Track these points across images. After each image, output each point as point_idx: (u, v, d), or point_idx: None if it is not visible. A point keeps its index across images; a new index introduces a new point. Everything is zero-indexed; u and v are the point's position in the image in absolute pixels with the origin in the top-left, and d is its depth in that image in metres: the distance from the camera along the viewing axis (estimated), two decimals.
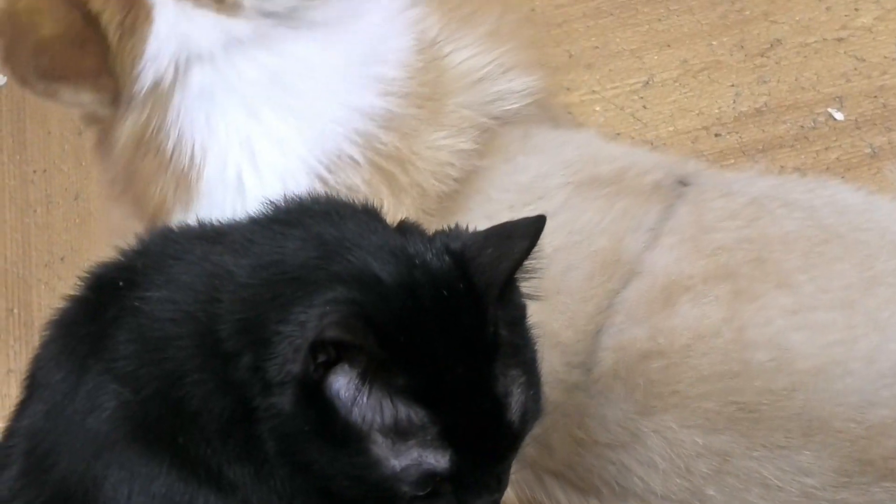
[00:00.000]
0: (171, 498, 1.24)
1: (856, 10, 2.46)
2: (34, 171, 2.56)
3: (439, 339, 1.21)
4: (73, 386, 1.29)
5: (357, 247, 1.25)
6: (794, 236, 1.70)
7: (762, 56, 2.45)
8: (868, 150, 2.32)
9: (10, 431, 1.38)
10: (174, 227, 1.41)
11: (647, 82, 2.46)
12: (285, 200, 1.36)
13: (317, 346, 1.14)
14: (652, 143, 2.35)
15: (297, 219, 1.32)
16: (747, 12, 2.50)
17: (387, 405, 1.17)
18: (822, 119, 2.36)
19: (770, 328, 1.60)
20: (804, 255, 1.67)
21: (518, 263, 1.28)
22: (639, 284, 1.62)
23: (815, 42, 2.44)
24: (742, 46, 2.46)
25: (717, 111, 2.40)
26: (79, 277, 1.37)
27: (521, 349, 1.30)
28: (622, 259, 1.65)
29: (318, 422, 1.18)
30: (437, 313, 1.22)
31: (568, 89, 2.45)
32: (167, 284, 1.30)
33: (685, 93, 2.43)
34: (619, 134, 2.38)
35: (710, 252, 1.67)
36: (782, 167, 2.29)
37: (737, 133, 2.37)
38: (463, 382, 1.21)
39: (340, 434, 1.18)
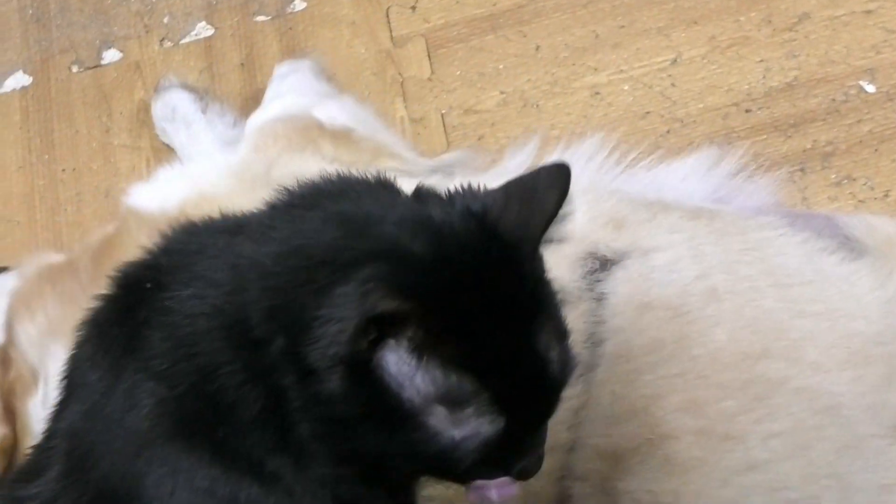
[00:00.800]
0: (214, 492, 1.23)
1: None
2: (63, 170, 2.58)
3: (480, 304, 1.19)
4: (109, 385, 1.29)
5: (382, 221, 1.23)
6: (727, 355, 1.67)
7: (790, 30, 2.40)
8: None
9: (50, 433, 1.39)
10: (196, 221, 1.39)
11: (675, 60, 2.42)
12: (299, 185, 1.34)
13: (366, 324, 1.11)
14: (682, 121, 2.33)
15: (314, 201, 1.31)
16: None
17: (440, 376, 1.15)
18: (853, 92, 2.31)
19: (728, 490, 1.61)
20: (742, 386, 1.64)
21: (552, 216, 1.27)
22: (580, 452, 1.61)
23: (844, 15, 2.39)
24: (770, 21, 2.41)
25: (746, 87, 2.36)
26: (108, 276, 1.37)
27: (552, 302, 1.28)
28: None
29: (370, 402, 1.16)
30: (473, 278, 1.20)
31: (595, 69, 2.43)
32: (193, 280, 1.28)
33: (714, 69, 2.39)
34: (648, 112, 2.36)
35: (643, 405, 1.66)
36: (815, 141, 2.26)
37: (768, 108, 2.33)
38: (508, 345, 1.20)
39: (395, 411, 1.16)
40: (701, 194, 2.09)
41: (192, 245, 1.34)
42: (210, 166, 2.14)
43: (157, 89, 2.53)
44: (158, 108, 2.50)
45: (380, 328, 1.11)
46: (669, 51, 2.43)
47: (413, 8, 2.59)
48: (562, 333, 1.28)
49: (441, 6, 2.58)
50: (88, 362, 1.34)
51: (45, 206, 2.55)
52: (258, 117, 2.26)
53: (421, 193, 1.30)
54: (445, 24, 2.56)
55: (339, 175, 1.37)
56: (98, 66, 2.68)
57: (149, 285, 1.31)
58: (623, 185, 2.09)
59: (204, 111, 2.45)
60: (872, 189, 2.20)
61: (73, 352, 1.39)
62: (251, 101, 2.51)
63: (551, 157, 2.18)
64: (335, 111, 2.23)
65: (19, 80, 2.71)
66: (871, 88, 2.31)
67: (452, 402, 1.16)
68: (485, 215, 1.25)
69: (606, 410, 1.66)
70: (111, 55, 2.69)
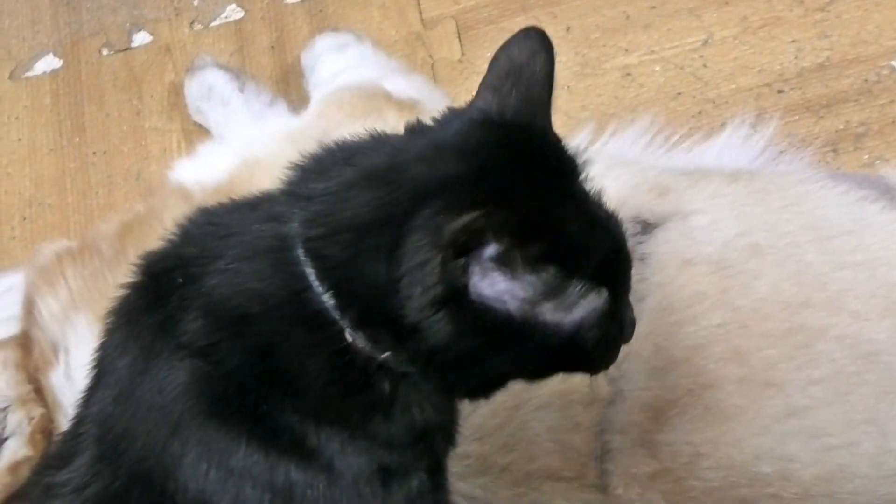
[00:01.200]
0: (251, 471, 1.24)
1: None
2: (94, 153, 2.61)
3: (531, 193, 1.20)
4: (141, 369, 1.29)
5: (415, 162, 1.23)
6: (769, 305, 1.68)
7: (822, 11, 2.40)
8: None
9: (79, 419, 1.39)
10: (215, 205, 1.40)
11: (707, 41, 2.43)
12: (310, 157, 1.33)
13: (449, 254, 1.12)
14: (714, 102, 2.34)
15: (346, 160, 1.30)
16: None
17: (534, 278, 1.16)
18: (885, 72, 2.32)
19: (768, 438, 1.62)
20: (784, 334, 1.65)
21: (549, 80, 1.29)
22: (621, 405, 1.63)
23: None
24: (801, 1, 2.41)
25: (778, 67, 2.36)
26: (133, 265, 1.37)
27: (578, 164, 1.30)
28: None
29: (484, 330, 1.17)
30: (514, 173, 1.21)
31: (626, 51, 2.45)
32: (232, 264, 1.28)
33: (745, 50, 2.40)
34: (680, 93, 2.37)
35: (685, 356, 1.67)
36: (847, 122, 2.27)
37: (800, 89, 2.33)
38: (572, 220, 1.21)
39: (509, 326, 1.18)
40: (739, 163, 2.11)
41: (220, 229, 1.33)
42: (264, 131, 2.16)
43: (191, 69, 2.54)
44: (194, 87, 2.52)
45: (462, 251, 1.12)
46: (701, 31, 2.44)
47: None
48: (597, 192, 1.29)
49: None
50: (119, 349, 1.34)
51: (76, 188, 2.57)
52: (325, 88, 2.29)
53: (415, 127, 1.31)
54: (475, 6, 2.57)
55: (344, 141, 1.36)
56: (128, 48, 2.71)
57: (179, 274, 1.31)
58: (665, 162, 2.12)
59: (241, 90, 2.46)
60: None
61: (102, 340, 1.39)
62: (281, 82, 2.57)
63: (601, 142, 2.21)
64: (403, 84, 2.25)
65: (50, 62, 2.73)
66: None
67: (556, 294, 1.18)
68: (488, 114, 1.26)
69: (647, 363, 1.68)
70: (141, 38, 2.71)
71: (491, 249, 1.12)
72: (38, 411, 1.86)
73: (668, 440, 1.62)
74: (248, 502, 1.25)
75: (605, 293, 1.22)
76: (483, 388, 1.31)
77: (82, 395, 1.41)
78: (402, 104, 2.14)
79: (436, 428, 1.31)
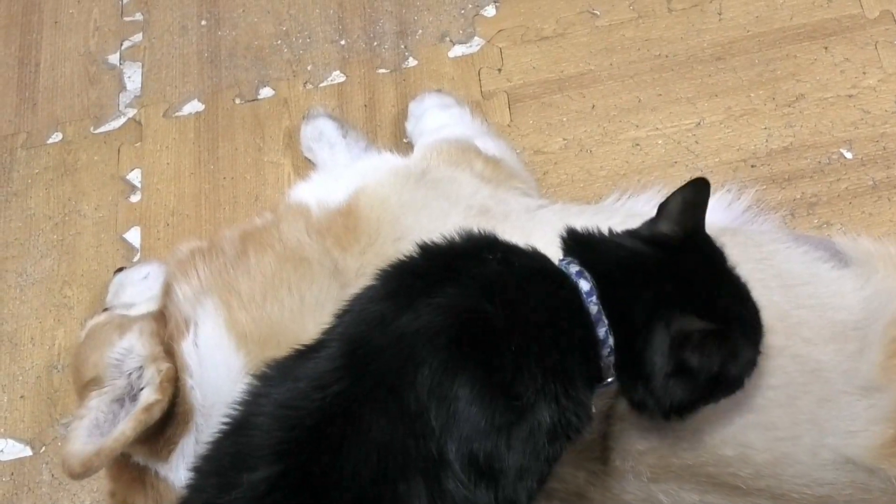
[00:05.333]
0: (470, 400, 1.38)
1: (864, 73, 2.48)
2: (224, 178, 2.69)
3: (719, 292, 1.53)
4: (405, 305, 1.44)
5: (646, 274, 1.52)
6: None
7: (789, 106, 2.48)
8: (871, 183, 2.36)
9: (321, 340, 1.53)
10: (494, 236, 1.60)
11: (699, 123, 2.50)
12: (587, 234, 1.62)
13: (678, 340, 1.43)
14: (702, 171, 2.40)
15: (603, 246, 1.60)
16: (779, 72, 2.51)
17: (715, 355, 1.47)
18: (835, 157, 2.40)
19: (731, 427, 1.67)
20: None
21: (702, 207, 1.61)
22: (623, 398, 1.65)
23: (831, 97, 2.47)
24: (774, 98, 2.49)
25: (753, 147, 2.44)
26: (416, 245, 1.56)
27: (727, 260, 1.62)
28: None
29: (694, 386, 1.50)
30: (709, 279, 1.53)
31: (637, 126, 2.53)
32: (514, 270, 1.50)
33: (728, 132, 2.47)
34: (676, 162, 2.46)
35: None
36: (803, 193, 2.35)
37: (768, 165, 2.41)
38: (739, 304, 1.54)
39: (708, 381, 1.49)
40: (723, 221, 2.14)
41: (514, 255, 1.55)
42: (375, 165, 2.17)
43: (307, 116, 2.61)
44: (308, 131, 2.59)
45: (683, 343, 1.43)
46: (695, 116, 2.51)
47: (499, 70, 2.66)
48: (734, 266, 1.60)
49: (521, 70, 2.66)
50: (381, 296, 1.50)
51: (209, 204, 2.65)
52: (429, 137, 2.33)
53: (643, 237, 1.59)
54: (523, 84, 2.64)
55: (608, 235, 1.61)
56: (255, 99, 2.77)
57: (456, 258, 1.50)
58: None
59: (344, 136, 2.54)
60: (845, 234, 2.23)
61: (360, 291, 1.55)
62: (371, 133, 2.63)
63: (627, 198, 2.26)
64: (490, 145, 2.29)
65: (195, 106, 2.80)
66: (849, 155, 2.40)
67: (734, 357, 1.48)
68: (676, 236, 1.55)
69: None
70: (266, 92, 2.78)
71: (697, 340, 1.42)
72: (165, 366, 1.86)
73: (656, 426, 1.65)
74: (459, 419, 1.37)
75: (753, 344, 1.50)
76: (685, 413, 1.54)
77: (331, 323, 1.55)
78: (487, 160, 2.19)
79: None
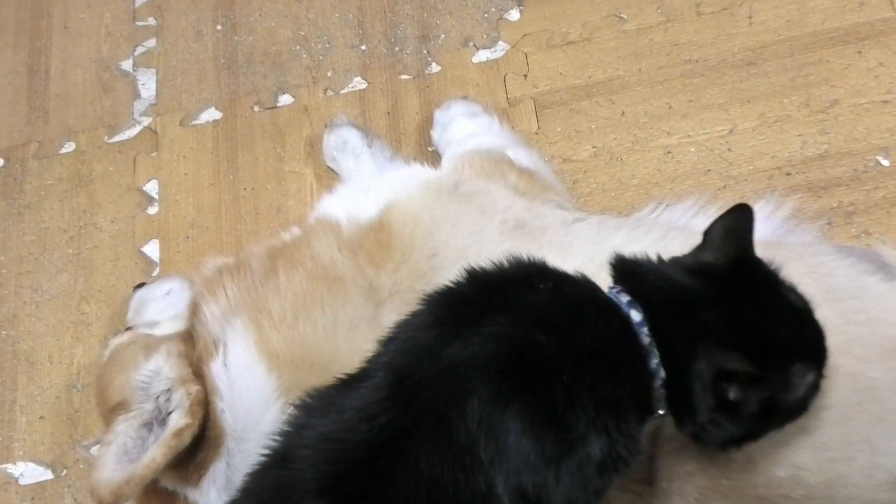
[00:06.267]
0: (519, 433, 1.36)
1: None
2: (244, 189, 2.66)
3: (766, 324, 1.50)
4: (452, 335, 1.43)
5: (689, 306, 1.50)
6: None
7: (823, 112, 2.47)
8: None
9: (365, 369, 1.51)
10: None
11: (732, 130, 2.49)
12: (635, 263, 1.60)
13: (719, 377, 1.42)
14: (736, 179, 2.40)
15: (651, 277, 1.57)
16: (812, 77, 2.51)
17: (755, 393, 1.46)
18: (871, 164, 2.39)
19: (784, 448, 1.65)
20: None
21: (748, 233, 1.55)
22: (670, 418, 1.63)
23: (866, 103, 2.46)
24: (807, 104, 2.48)
25: (787, 155, 2.43)
26: (464, 270, 1.54)
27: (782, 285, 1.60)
28: None
29: (740, 419, 1.48)
30: (754, 310, 1.50)
31: (668, 133, 2.51)
32: (563, 300, 1.49)
33: (762, 140, 2.46)
34: (709, 170, 2.44)
35: None
36: (840, 202, 2.34)
37: (804, 173, 2.40)
38: (792, 330, 1.51)
39: (758, 413, 1.48)
40: (765, 234, 2.10)
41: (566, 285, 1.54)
42: (408, 178, 2.15)
43: (330, 125, 2.59)
44: (332, 140, 2.57)
45: (725, 379, 1.42)
46: (727, 122, 2.50)
47: (525, 76, 2.65)
48: (794, 286, 1.59)
49: (547, 76, 2.64)
50: (427, 323, 1.48)
51: (229, 216, 2.62)
52: (458, 147, 2.31)
53: (689, 267, 1.57)
54: (550, 90, 2.62)
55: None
56: (274, 107, 2.75)
57: (505, 287, 1.48)
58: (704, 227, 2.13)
59: (370, 146, 2.52)
60: (884, 243, 2.25)
61: (405, 318, 1.53)
62: (395, 142, 2.61)
63: (664, 209, 2.28)
64: (522, 155, 2.28)
65: (212, 114, 2.77)
66: (885, 162, 2.39)
67: (785, 388, 1.47)
68: (719, 265, 1.54)
69: None
70: (285, 99, 2.75)
71: (740, 379, 1.42)
72: (195, 388, 1.85)
73: (705, 448, 1.62)
74: (508, 451, 1.36)
75: (814, 368, 1.48)
76: (743, 444, 1.53)
77: (376, 351, 1.53)
78: (521, 171, 2.17)
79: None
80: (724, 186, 2.41)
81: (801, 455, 1.66)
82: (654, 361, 1.46)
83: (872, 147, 2.41)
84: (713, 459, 1.67)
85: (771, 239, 2.11)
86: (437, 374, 1.40)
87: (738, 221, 1.57)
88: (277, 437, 1.52)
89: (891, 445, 1.66)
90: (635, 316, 1.48)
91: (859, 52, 2.52)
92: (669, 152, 2.49)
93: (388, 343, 1.52)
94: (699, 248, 1.60)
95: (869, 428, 1.67)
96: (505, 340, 1.41)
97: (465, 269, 1.53)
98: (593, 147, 2.53)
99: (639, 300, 1.50)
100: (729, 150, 2.47)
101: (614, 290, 1.53)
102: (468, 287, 1.52)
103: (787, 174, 2.41)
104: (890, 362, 1.71)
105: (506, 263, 1.53)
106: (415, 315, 1.52)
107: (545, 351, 1.40)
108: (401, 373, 1.44)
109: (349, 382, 1.50)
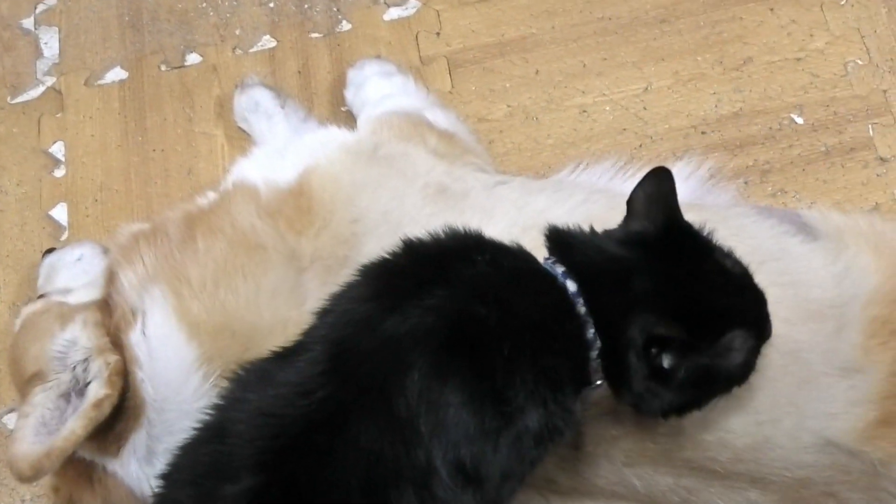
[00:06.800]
0: (461, 405, 1.37)
1: (811, 35, 2.50)
2: (153, 150, 2.61)
3: (699, 289, 1.51)
4: (389, 308, 1.42)
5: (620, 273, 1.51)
6: None
7: (737, 70, 2.49)
8: (823, 149, 2.39)
9: (302, 341, 1.50)
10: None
11: (647, 88, 2.51)
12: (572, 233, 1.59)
13: (652, 342, 1.42)
14: (651, 138, 2.43)
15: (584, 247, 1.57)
16: (725, 35, 2.53)
17: (696, 357, 1.46)
18: (786, 122, 2.42)
19: (711, 412, 1.65)
20: None
21: (674, 193, 1.55)
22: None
23: (779, 60, 2.49)
24: (721, 62, 2.51)
25: (702, 113, 2.46)
26: (400, 241, 1.53)
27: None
28: None
29: (678, 386, 1.48)
30: (686, 277, 1.50)
31: (583, 92, 2.52)
32: (502, 272, 1.49)
33: (677, 98, 2.48)
34: (625, 129, 2.46)
35: None
36: (755, 160, 2.37)
37: (719, 132, 2.43)
38: (729, 296, 1.52)
39: (696, 379, 1.48)
40: (685, 196, 1.97)
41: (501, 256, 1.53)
42: (323, 142, 2.12)
43: (241, 85, 2.56)
44: (243, 101, 2.54)
45: (657, 345, 1.43)
46: (642, 81, 2.52)
47: (438, 34, 2.64)
48: (730, 251, 1.59)
49: (460, 34, 2.63)
50: (365, 295, 1.47)
51: (138, 179, 2.58)
52: (375, 109, 2.29)
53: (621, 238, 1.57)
54: (464, 48, 2.61)
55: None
56: (182, 66, 2.70)
57: (444, 258, 1.48)
58: (625, 189, 2.09)
59: (282, 106, 2.49)
60: (800, 201, 2.31)
61: (341, 290, 1.52)
62: (307, 101, 2.58)
63: (582, 170, 2.29)
64: (440, 117, 2.27)
65: (118, 73, 2.71)
66: (800, 120, 2.42)
67: (724, 353, 1.46)
68: (648, 233, 1.53)
69: None
70: (193, 58, 2.71)
71: (669, 345, 1.41)
72: (113, 358, 1.81)
73: (631, 411, 1.64)
74: (448, 424, 1.36)
75: (753, 334, 1.47)
76: (684, 412, 1.54)
77: (310, 324, 1.52)
78: (440, 134, 2.17)
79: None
80: (641, 146, 2.44)
81: (729, 419, 1.67)
82: (591, 332, 1.47)
83: (786, 105, 2.45)
84: (640, 423, 1.68)
85: (692, 201, 2.11)
86: (375, 347, 1.40)
87: (658, 186, 1.57)
88: (210, 411, 1.51)
89: (817, 407, 1.67)
90: (571, 286, 1.49)
91: (771, 10, 2.54)
92: (585, 111, 2.50)
93: (324, 315, 1.51)
94: (626, 219, 1.60)
95: (795, 390, 1.68)
96: (444, 313, 1.41)
97: (402, 240, 1.53)
98: (508, 106, 2.53)
99: (573, 271, 1.50)
100: (644, 108, 2.49)
101: (549, 261, 1.53)
102: (405, 259, 1.51)
103: (703, 133, 2.44)
104: (814, 324, 1.73)
105: (442, 235, 1.53)
106: (350, 287, 1.52)
107: (485, 324, 1.41)
108: (338, 346, 1.43)
109: (284, 356, 1.49)
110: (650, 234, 1.55)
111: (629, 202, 1.59)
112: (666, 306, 1.47)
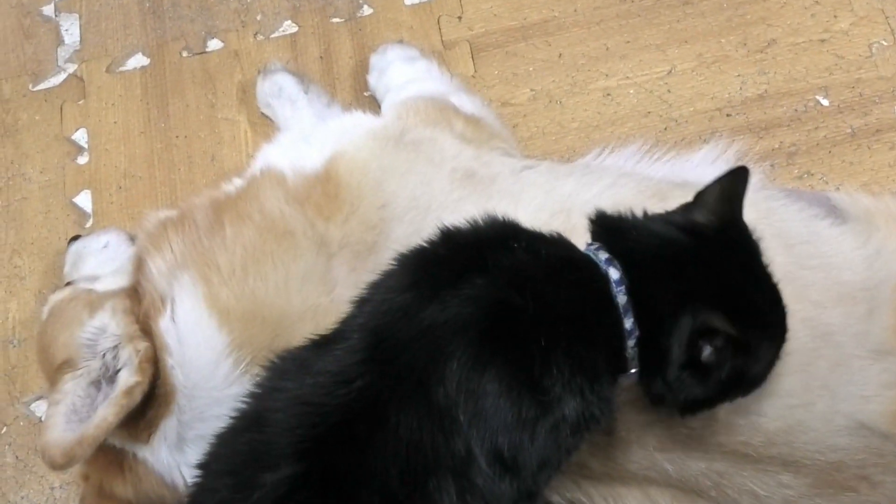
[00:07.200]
0: (497, 394, 1.37)
1: (835, 16, 2.50)
2: (177, 137, 2.62)
3: (745, 289, 1.51)
4: (429, 297, 1.42)
5: (679, 266, 1.50)
6: None
7: (761, 52, 2.49)
8: (849, 131, 2.38)
9: (340, 330, 1.50)
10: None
11: (671, 71, 2.50)
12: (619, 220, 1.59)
13: (701, 332, 1.41)
14: (676, 121, 2.42)
15: (633, 234, 1.56)
16: (748, 17, 2.52)
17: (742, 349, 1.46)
18: (811, 104, 2.41)
19: (744, 397, 1.64)
20: None
21: (740, 196, 1.55)
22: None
23: (804, 42, 2.48)
24: (745, 44, 2.50)
25: (727, 96, 2.44)
26: (439, 231, 1.53)
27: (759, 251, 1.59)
28: None
29: (711, 381, 1.48)
30: (736, 275, 1.50)
31: (607, 76, 2.51)
32: (542, 262, 1.48)
33: (701, 80, 2.47)
34: (649, 112, 2.46)
35: None
36: (781, 142, 2.36)
37: (744, 114, 2.42)
38: (766, 301, 1.53)
39: (727, 378, 1.48)
40: (710, 178, 2.03)
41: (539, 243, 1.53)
42: (351, 126, 2.12)
43: (264, 71, 2.55)
44: (266, 87, 2.53)
45: (702, 337, 1.42)
46: (666, 63, 2.52)
47: (459, 18, 2.64)
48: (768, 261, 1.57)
49: (482, 17, 2.63)
50: (402, 284, 1.47)
51: (162, 165, 2.58)
52: (399, 94, 2.29)
53: (684, 225, 1.57)
54: (486, 32, 2.61)
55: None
56: (204, 52, 2.70)
57: (484, 246, 1.47)
58: (652, 173, 2.15)
59: (306, 92, 2.49)
60: (827, 183, 2.30)
61: (378, 278, 1.52)
62: (330, 87, 2.57)
63: (609, 153, 2.26)
64: (465, 101, 2.26)
65: (139, 60, 2.71)
66: (825, 102, 2.42)
67: (751, 355, 1.47)
68: (709, 226, 1.53)
69: None
70: (214, 44, 2.71)
71: (718, 340, 1.41)
72: (143, 345, 1.82)
73: None
74: (486, 413, 1.37)
75: (776, 346, 1.49)
76: (699, 410, 1.54)
77: (347, 312, 1.52)
78: (467, 119, 2.16)
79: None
80: (666, 128, 2.43)
81: (761, 402, 1.67)
82: (630, 321, 1.46)
83: (811, 87, 2.44)
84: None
85: None
86: (414, 336, 1.40)
87: (734, 185, 1.57)
88: (246, 400, 1.51)
89: (849, 390, 1.68)
90: (613, 274, 1.48)
91: None
92: (609, 94, 2.49)
93: (362, 304, 1.51)
94: (690, 206, 1.59)
95: (827, 373, 1.69)
96: (483, 303, 1.41)
97: (439, 228, 1.53)
98: (532, 90, 2.52)
99: (619, 257, 1.49)
100: (668, 91, 2.48)
101: (592, 247, 1.53)
102: (443, 247, 1.51)
103: (728, 115, 2.43)
104: (845, 307, 1.74)
105: (480, 223, 1.53)
106: (388, 275, 1.51)
107: (523, 314, 1.41)
108: (377, 335, 1.43)
109: (321, 344, 1.49)
110: (711, 226, 1.55)
111: (701, 193, 1.59)
112: (721, 301, 1.47)
